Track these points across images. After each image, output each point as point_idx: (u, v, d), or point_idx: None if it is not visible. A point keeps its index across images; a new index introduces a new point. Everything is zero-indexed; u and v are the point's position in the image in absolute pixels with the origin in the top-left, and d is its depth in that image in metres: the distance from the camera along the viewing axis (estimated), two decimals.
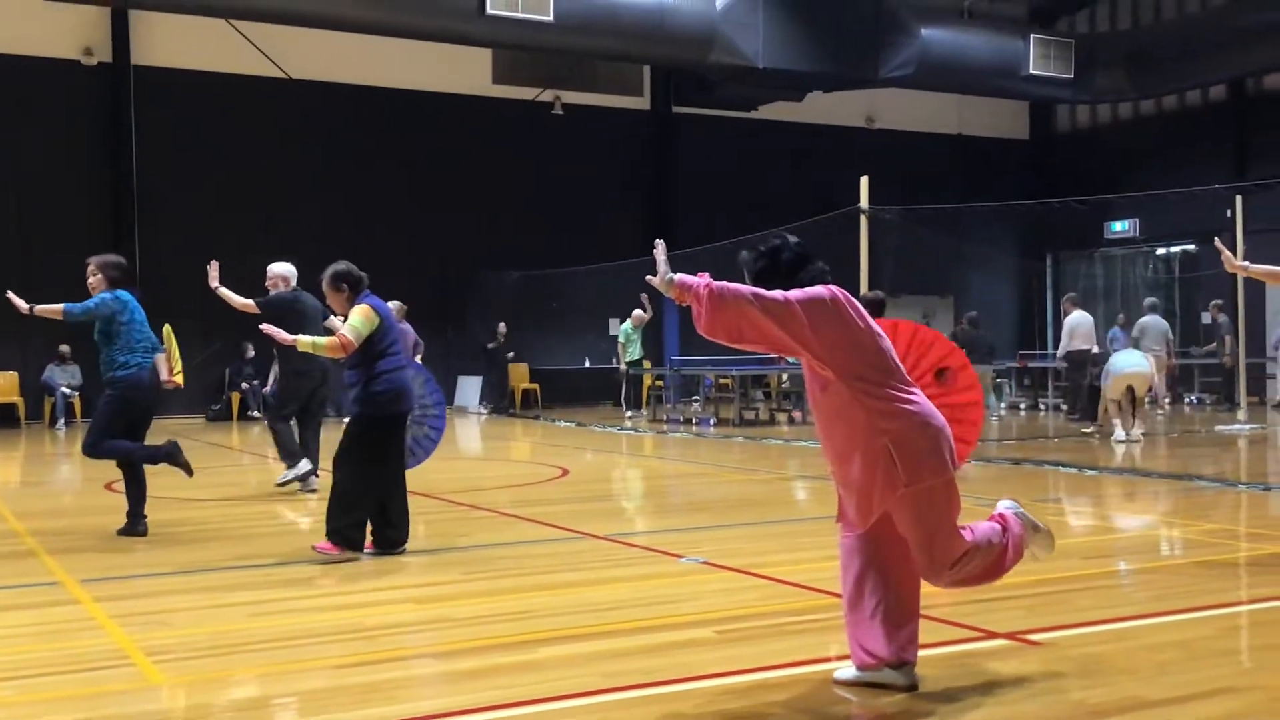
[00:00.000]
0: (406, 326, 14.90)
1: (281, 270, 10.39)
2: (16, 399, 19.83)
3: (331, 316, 10.07)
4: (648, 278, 4.14)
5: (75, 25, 20.77)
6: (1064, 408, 21.02)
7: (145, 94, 21.27)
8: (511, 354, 23.39)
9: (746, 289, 3.97)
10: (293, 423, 10.39)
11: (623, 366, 20.75)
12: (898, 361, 4.09)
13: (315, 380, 10.37)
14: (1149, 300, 19.65)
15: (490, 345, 23.06)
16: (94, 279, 8.13)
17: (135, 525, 8.04)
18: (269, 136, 22.12)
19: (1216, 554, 7.30)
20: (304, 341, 7.27)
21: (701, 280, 3.97)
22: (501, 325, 23.08)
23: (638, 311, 20.55)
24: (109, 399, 7.97)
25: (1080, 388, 19.03)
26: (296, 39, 21.24)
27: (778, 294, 3.96)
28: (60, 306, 7.99)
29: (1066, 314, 19.08)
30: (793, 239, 4.29)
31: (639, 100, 25.77)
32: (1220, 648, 4.91)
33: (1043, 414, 20.25)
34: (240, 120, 21.87)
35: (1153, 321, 18.32)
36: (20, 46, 20.53)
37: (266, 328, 7.48)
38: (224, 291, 10.01)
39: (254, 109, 21.97)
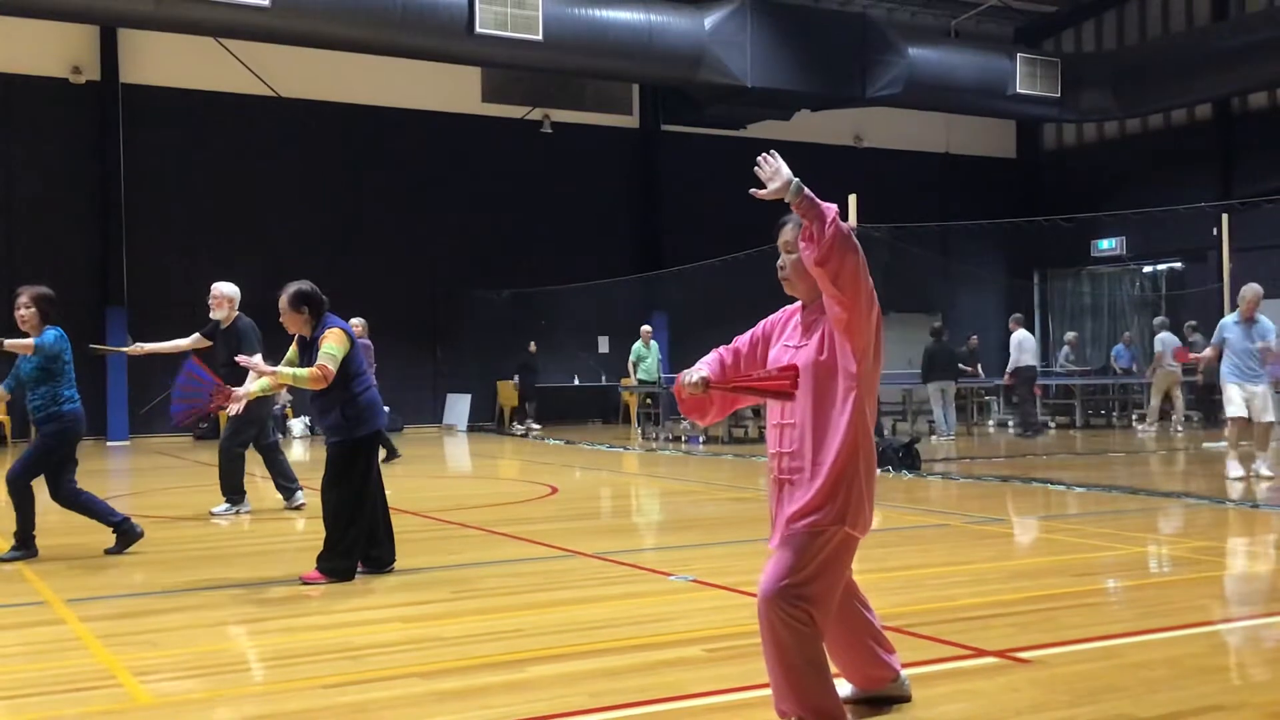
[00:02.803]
0: (367, 342, 14.86)
1: (229, 291, 10.07)
2: (2, 418, 19.74)
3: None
4: (754, 192, 3.77)
5: (64, 43, 20.78)
6: (1053, 426, 21.16)
7: (134, 112, 21.27)
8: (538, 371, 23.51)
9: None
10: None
11: (632, 381, 20.76)
12: None
13: (273, 401, 10.21)
14: (1159, 319, 19.83)
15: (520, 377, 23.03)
16: (27, 312, 7.83)
17: (127, 540, 7.98)
18: (257, 154, 22.13)
19: (1205, 571, 7.32)
20: (285, 374, 7.05)
21: (832, 206, 3.71)
22: (532, 344, 23.19)
23: (646, 328, 20.64)
24: (54, 433, 7.81)
25: (1025, 403, 19.19)
26: (285, 57, 21.28)
27: None
28: (31, 341, 7.75)
29: (1012, 332, 19.32)
30: None
31: (627, 119, 25.85)
32: (1209, 665, 4.91)
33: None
34: (228, 138, 21.88)
35: (1169, 338, 18.54)
36: (9, 65, 20.52)
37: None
38: (151, 347, 10.08)
39: (242, 127, 21.98)
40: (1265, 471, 11.72)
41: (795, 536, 3.80)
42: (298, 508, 10.26)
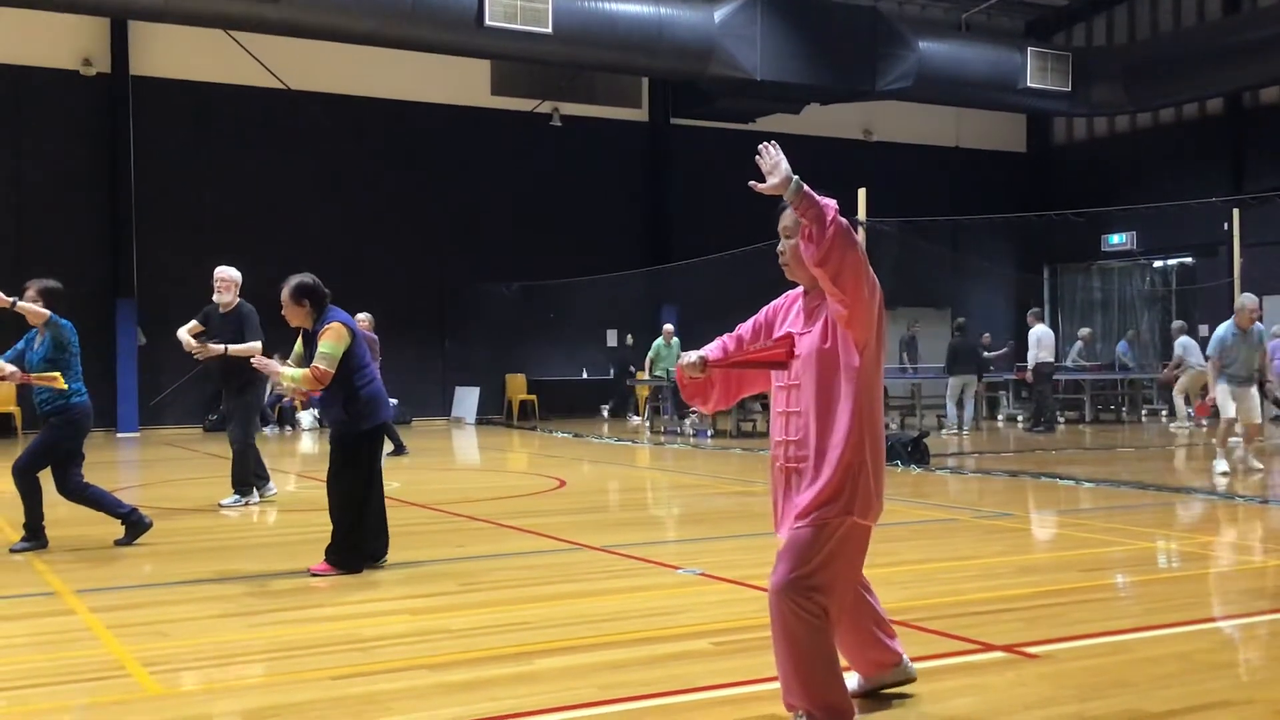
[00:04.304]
0: (373, 336, 14.91)
1: (234, 275, 10.12)
2: (13, 408, 19.81)
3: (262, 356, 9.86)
4: (753, 185, 3.70)
5: (74, 36, 20.80)
6: (1063, 421, 21.13)
7: (144, 104, 21.29)
8: (632, 368, 23.66)
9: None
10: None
11: (646, 376, 20.90)
12: None
13: (266, 390, 10.23)
14: (1177, 324, 19.81)
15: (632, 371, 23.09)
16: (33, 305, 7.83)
17: (136, 531, 7.99)
18: (267, 147, 22.14)
19: (1214, 567, 7.31)
20: (285, 374, 7.00)
21: (832, 203, 3.65)
22: (630, 337, 23.41)
23: (668, 326, 20.75)
24: (62, 425, 7.79)
25: (1046, 399, 19.15)
26: (295, 50, 21.27)
27: None
28: (46, 311, 7.75)
29: (1030, 327, 19.27)
30: None
31: (637, 112, 25.81)
32: (1218, 660, 4.90)
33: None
34: (238, 131, 21.90)
35: (1190, 342, 18.53)
36: (20, 57, 20.55)
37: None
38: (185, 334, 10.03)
39: (252, 120, 21.99)
40: (1255, 463, 12.31)
41: (804, 530, 3.79)
42: (243, 505, 10.18)
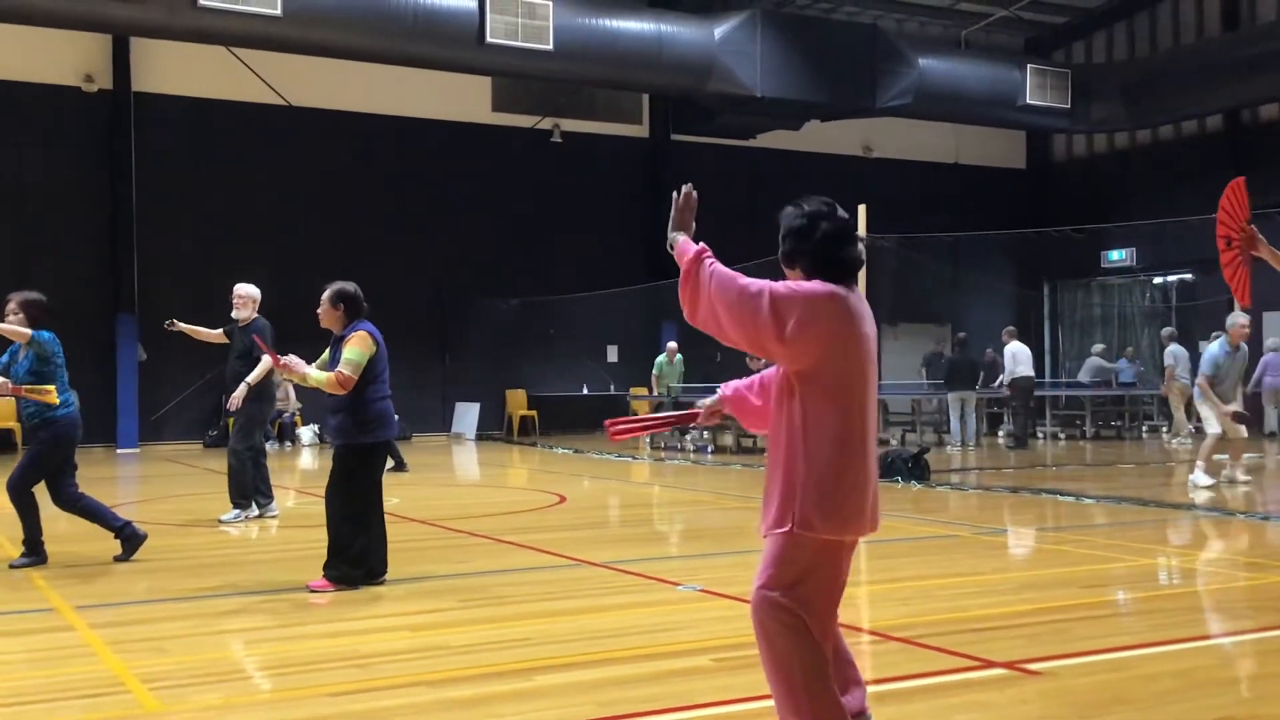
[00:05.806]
0: None
1: (252, 292, 10.32)
2: (12, 424, 19.78)
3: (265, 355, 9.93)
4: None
5: (76, 52, 20.85)
6: (1063, 437, 21.13)
7: (145, 120, 21.33)
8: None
9: (728, 275, 3.76)
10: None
11: (656, 393, 20.81)
12: (869, 398, 3.83)
13: (275, 401, 10.31)
14: (1167, 330, 19.75)
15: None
16: (15, 317, 7.83)
17: (132, 545, 7.98)
18: (268, 163, 22.18)
19: (1215, 583, 7.30)
20: (311, 377, 7.09)
21: (692, 251, 3.85)
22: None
23: (671, 344, 20.71)
24: (48, 439, 7.77)
25: (1028, 414, 19.15)
26: (296, 66, 21.33)
27: (754, 286, 3.68)
28: (28, 331, 7.74)
29: (1005, 344, 19.27)
30: (842, 212, 4.01)
31: (638, 128, 25.86)
32: (1219, 677, 4.90)
33: (1041, 442, 20.23)
34: (240, 147, 21.94)
35: (1180, 350, 18.50)
36: (22, 73, 20.60)
37: (289, 358, 7.41)
38: (184, 327, 10.37)
39: (253, 136, 22.03)
40: (1240, 476, 12.46)
41: (767, 542, 3.76)
42: (243, 520, 10.21)
